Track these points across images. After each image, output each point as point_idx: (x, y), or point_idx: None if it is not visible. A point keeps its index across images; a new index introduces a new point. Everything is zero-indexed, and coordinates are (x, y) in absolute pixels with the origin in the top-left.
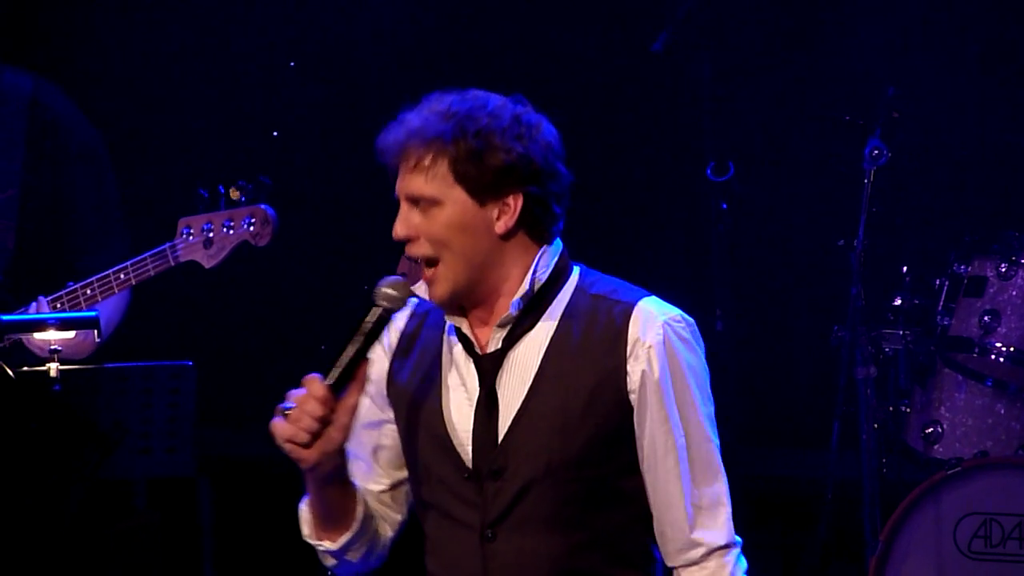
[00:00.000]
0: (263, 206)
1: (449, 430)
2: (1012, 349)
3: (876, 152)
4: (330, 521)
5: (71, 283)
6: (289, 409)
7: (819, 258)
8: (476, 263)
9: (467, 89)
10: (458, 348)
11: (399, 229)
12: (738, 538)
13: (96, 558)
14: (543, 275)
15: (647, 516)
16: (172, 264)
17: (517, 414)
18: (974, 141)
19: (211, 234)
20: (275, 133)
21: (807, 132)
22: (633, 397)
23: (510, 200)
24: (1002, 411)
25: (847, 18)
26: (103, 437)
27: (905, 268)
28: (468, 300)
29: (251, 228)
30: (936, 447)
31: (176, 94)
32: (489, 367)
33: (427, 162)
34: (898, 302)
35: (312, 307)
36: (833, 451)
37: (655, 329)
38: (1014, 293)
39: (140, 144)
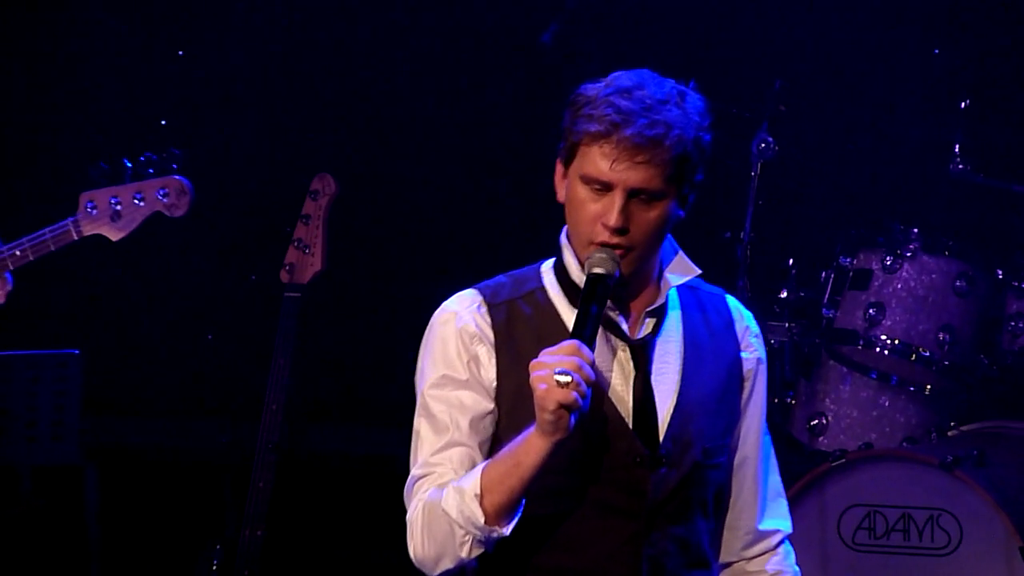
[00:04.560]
0: (177, 176)
1: (624, 416)
2: (896, 342)
3: (763, 145)
4: (520, 504)
5: None
6: (565, 375)
7: (706, 250)
8: (657, 252)
9: (640, 69)
10: (599, 333)
11: (618, 221)
12: None
13: None
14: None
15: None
16: (75, 238)
17: (678, 401)
18: (860, 135)
19: (119, 207)
20: (163, 122)
21: None
22: (747, 384)
23: (691, 194)
24: (887, 403)
25: (735, 12)
26: None
27: (791, 261)
28: (626, 283)
29: (165, 199)
30: (821, 439)
31: (76, 70)
32: (643, 352)
33: (665, 158)
34: (784, 294)
35: (200, 296)
36: None
37: (753, 322)
38: (899, 286)
39: (36, 122)
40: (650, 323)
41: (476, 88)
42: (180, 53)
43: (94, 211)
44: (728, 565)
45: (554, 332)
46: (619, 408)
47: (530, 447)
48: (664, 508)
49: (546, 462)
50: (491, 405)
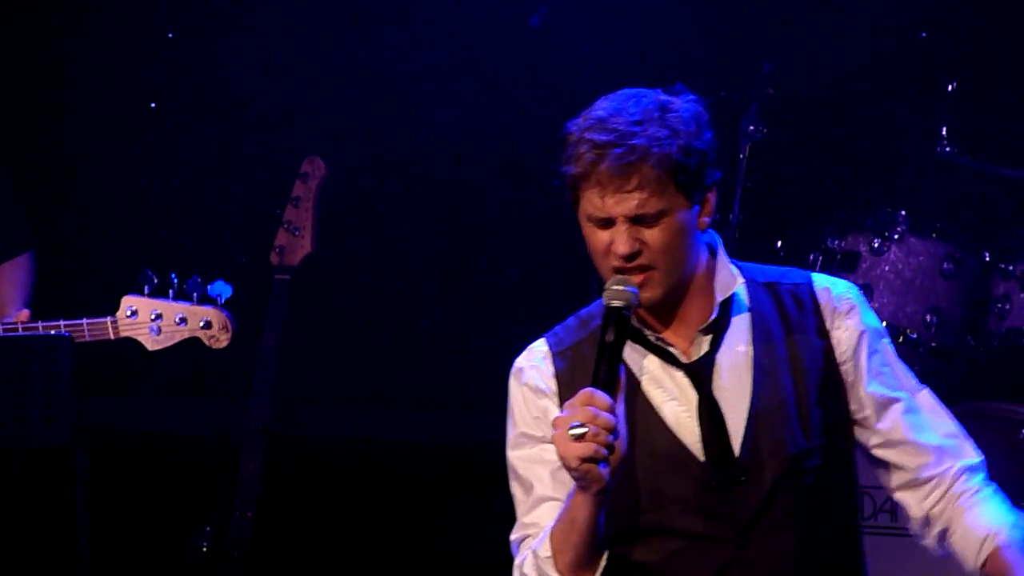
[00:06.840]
0: (224, 312)
1: (688, 444)
2: (884, 324)
3: (751, 128)
4: (596, 553)
5: None
6: (579, 427)
7: None
8: (686, 264)
9: (623, 90)
10: (651, 361)
11: (627, 247)
12: None
13: None
14: (735, 272)
15: (854, 497)
16: (111, 337)
17: (750, 414)
18: (848, 118)
19: (159, 322)
20: (152, 104)
21: None
22: (845, 368)
23: (708, 195)
24: None
25: None
26: None
27: (779, 243)
28: (667, 303)
29: (207, 330)
30: None
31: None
32: (702, 373)
33: (652, 177)
34: None
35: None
36: None
37: (843, 298)
38: (886, 268)
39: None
40: (705, 340)
41: (466, 71)
42: (170, 35)
43: (134, 317)
44: (927, 521)
45: None
46: (683, 436)
47: (578, 502)
48: (756, 527)
49: (599, 510)
50: None
